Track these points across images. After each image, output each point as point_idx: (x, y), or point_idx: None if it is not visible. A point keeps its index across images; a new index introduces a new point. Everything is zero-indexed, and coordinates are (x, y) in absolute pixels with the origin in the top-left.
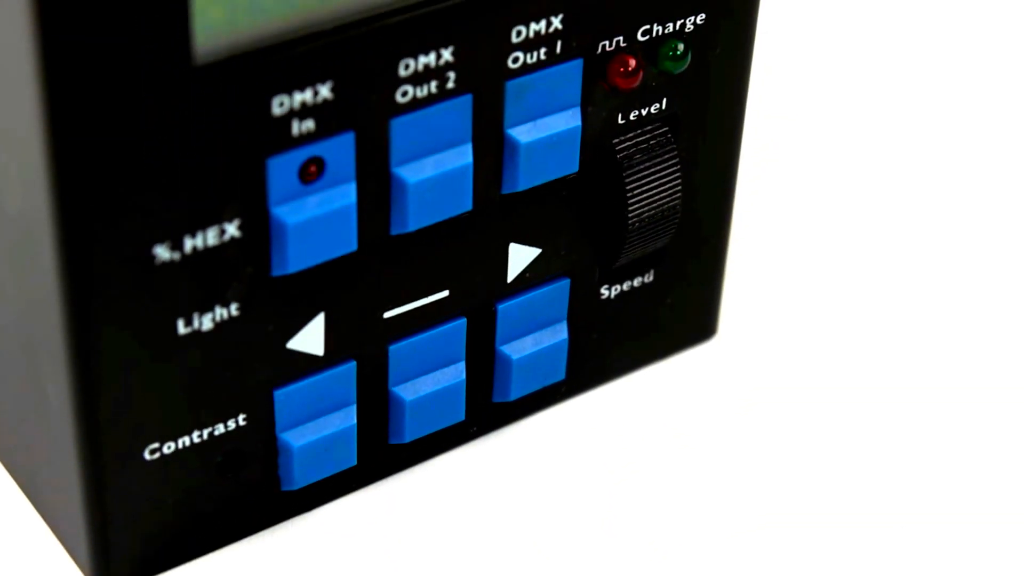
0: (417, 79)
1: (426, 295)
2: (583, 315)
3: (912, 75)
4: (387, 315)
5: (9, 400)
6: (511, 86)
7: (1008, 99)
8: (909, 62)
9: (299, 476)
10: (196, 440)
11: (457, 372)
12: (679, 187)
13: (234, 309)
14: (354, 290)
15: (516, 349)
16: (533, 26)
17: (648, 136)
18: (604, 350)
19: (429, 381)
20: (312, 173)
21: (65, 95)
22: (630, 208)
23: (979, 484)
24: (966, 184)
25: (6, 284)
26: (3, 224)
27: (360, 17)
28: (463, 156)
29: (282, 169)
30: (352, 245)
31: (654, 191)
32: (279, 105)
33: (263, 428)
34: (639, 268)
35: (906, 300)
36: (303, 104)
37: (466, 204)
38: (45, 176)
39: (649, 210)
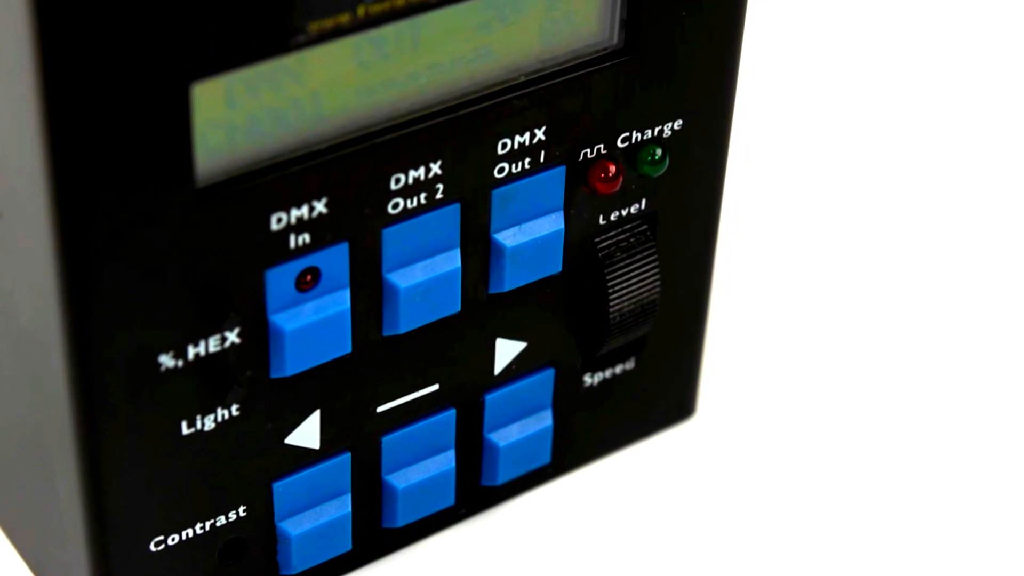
0: (407, 191)
1: (417, 389)
2: (567, 401)
3: (879, 139)
4: (380, 409)
5: (21, 490)
6: (497, 194)
7: (969, 117)
8: (876, 126)
9: (297, 562)
10: (199, 531)
11: (447, 460)
12: (658, 281)
13: (234, 409)
14: (348, 388)
15: (503, 436)
16: (518, 138)
17: (628, 234)
18: (587, 433)
19: (420, 469)
20: (308, 282)
21: (76, 217)
22: (611, 303)
23: (972, 551)
24: (941, 256)
25: (18, 386)
26: (15, 332)
27: (352, 136)
28: (452, 261)
29: (280, 279)
30: (346, 348)
31: (634, 286)
32: (277, 221)
33: (263, 518)
34: (620, 355)
35: (883, 380)
36: (299, 219)
37: (455, 306)
38: (55, 292)
39: (630, 304)
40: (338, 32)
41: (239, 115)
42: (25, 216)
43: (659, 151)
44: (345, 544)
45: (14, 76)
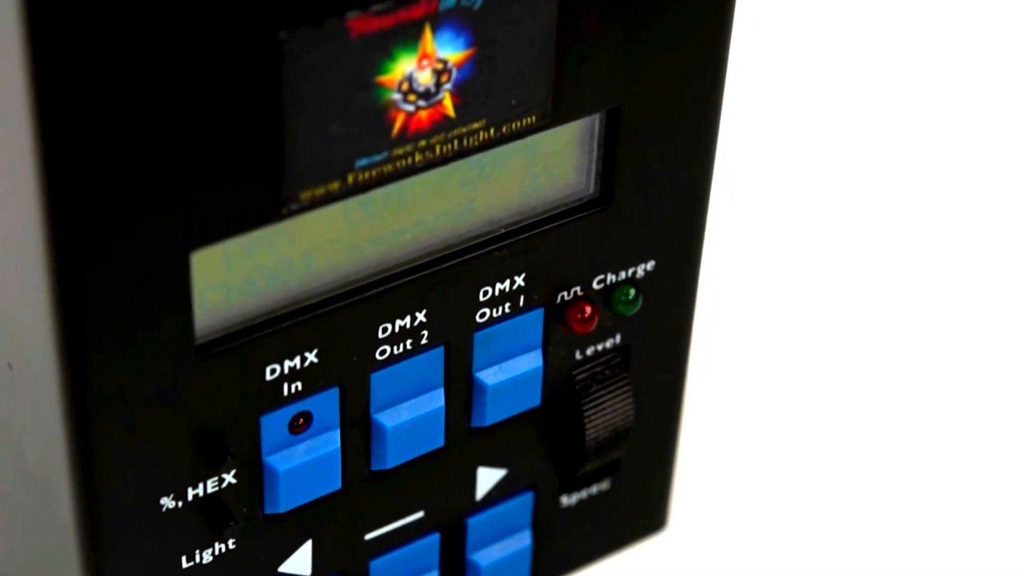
0: (394, 339)
1: (403, 517)
2: (545, 521)
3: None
4: (368, 537)
5: None
6: (479, 336)
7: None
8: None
9: None
10: None
11: None
12: (631, 409)
13: (231, 543)
14: (338, 519)
15: (484, 556)
16: (498, 285)
17: (603, 367)
18: (564, 548)
19: None
20: (300, 425)
21: (81, 374)
22: (587, 431)
23: None
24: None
25: (27, 519)
26: (24, 471)
27: (342, 291)
28: (436, 400)
29: (274, 424)
30: (336, 484)
31: (609, 414)
32: (271, 372)
33: None
34: (596, 476)
35: (856, 492)
36: (292, 369)
37: (439, 441)
38: (63, 442)
39: (605, 431)
40: (329, 199)
41: (235, 275)
42: (33, 371)
43: (632, 291)
44: None
45: (26, 243)
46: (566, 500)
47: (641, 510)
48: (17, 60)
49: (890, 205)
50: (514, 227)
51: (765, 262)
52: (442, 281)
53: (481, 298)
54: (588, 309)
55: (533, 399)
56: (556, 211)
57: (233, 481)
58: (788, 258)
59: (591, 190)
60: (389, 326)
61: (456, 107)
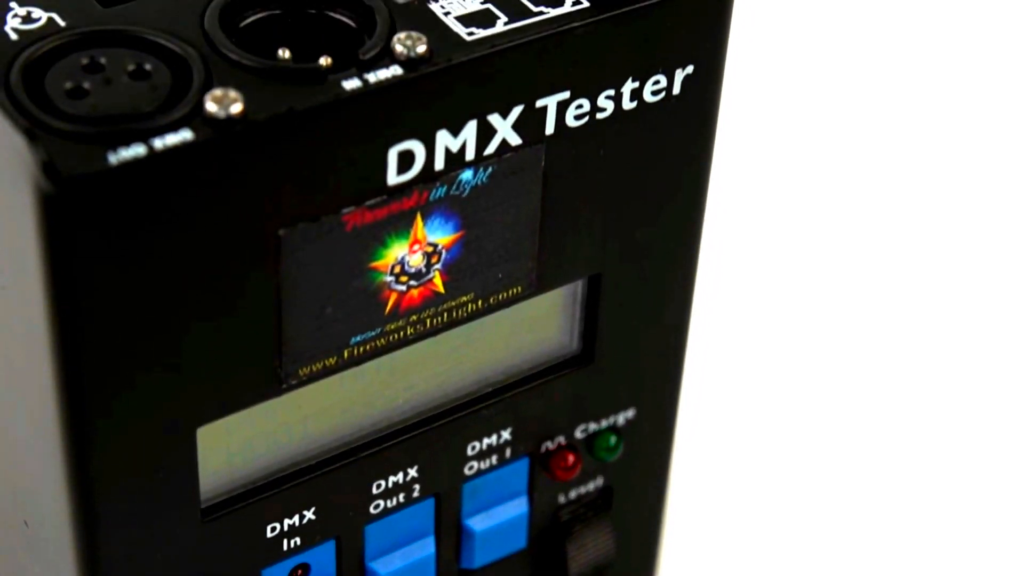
0: (387, 494)
1: None
2: None
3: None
4: None
5: None
6: (467, 487)
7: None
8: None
9: None
10: None
11: None
12: (612, 545)
13: None
14: None
15: None
16: (486, 440)
17: (585, 508)
18: None
19: None
20: (299, 575)
21: (94, 535)
22: (570, 568)
23: None
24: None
25: None
26: None
27: (337, 452)
28: (426, 547)
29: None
30: None
31: (591, 550)
32: (272, 530)
33: None
34: None
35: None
36: (291, 526)
37: None
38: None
39: (588, 567)
40: (325, 373)
41: (237, 442)
42: (48, 531)
43: (614, 439)
44: None
45: (43, 419)
46: None
47: None
48: (34, 251)
49: (885, 212)
50: (500, 385)
51: (756, 280)
52: (432, 439)
53: (469, 452)
54: (571, 458)
55: (519, 542)
56: (541, 368)
57: None
58: (779, 273)
59: (574, 347)
60: (382, 482)
61: (446, 284)
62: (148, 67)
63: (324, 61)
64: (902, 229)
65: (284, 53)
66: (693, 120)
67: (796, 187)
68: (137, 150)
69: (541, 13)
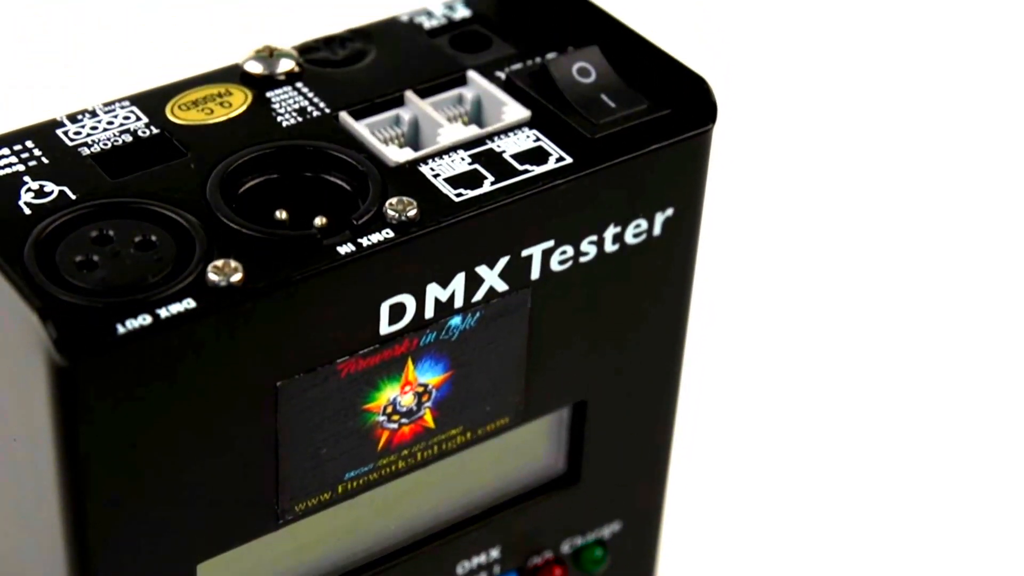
0: None
1: None
2: None
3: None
4: None
5: None
6: None
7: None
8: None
9: None
10: None
11: None
12: None
13: None
14: None
15: None
16: (476, 559)
17: None
18: None
19: None
20: None
21: None
22: None
23: None
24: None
25: None
26: None
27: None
28: None
29: None
30: None
31: None
32: None
33: None
34: None
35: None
36: None
37: None
38: None
39: None
40: (320, 507)
41: (235, 572)
42: None
43: (600, 551)
44: None
45: (52, 561)
46: None
47: None
48: (45, 412)
49: (881, 219)
50: (489, 508)
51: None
52: (424, 561)
53: (459, 572)
54: (559, 572)
55: None
56: (528, 490)
57: None
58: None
59: (560, 467)
60: None
61: (436, 419)
62: (154, 238)
63: (319, 221)
64: (894, 248)
65: (281, 214)
66: (674, 256)
67: (795, 193)
68: (143, 320)
69: (526, 171)
